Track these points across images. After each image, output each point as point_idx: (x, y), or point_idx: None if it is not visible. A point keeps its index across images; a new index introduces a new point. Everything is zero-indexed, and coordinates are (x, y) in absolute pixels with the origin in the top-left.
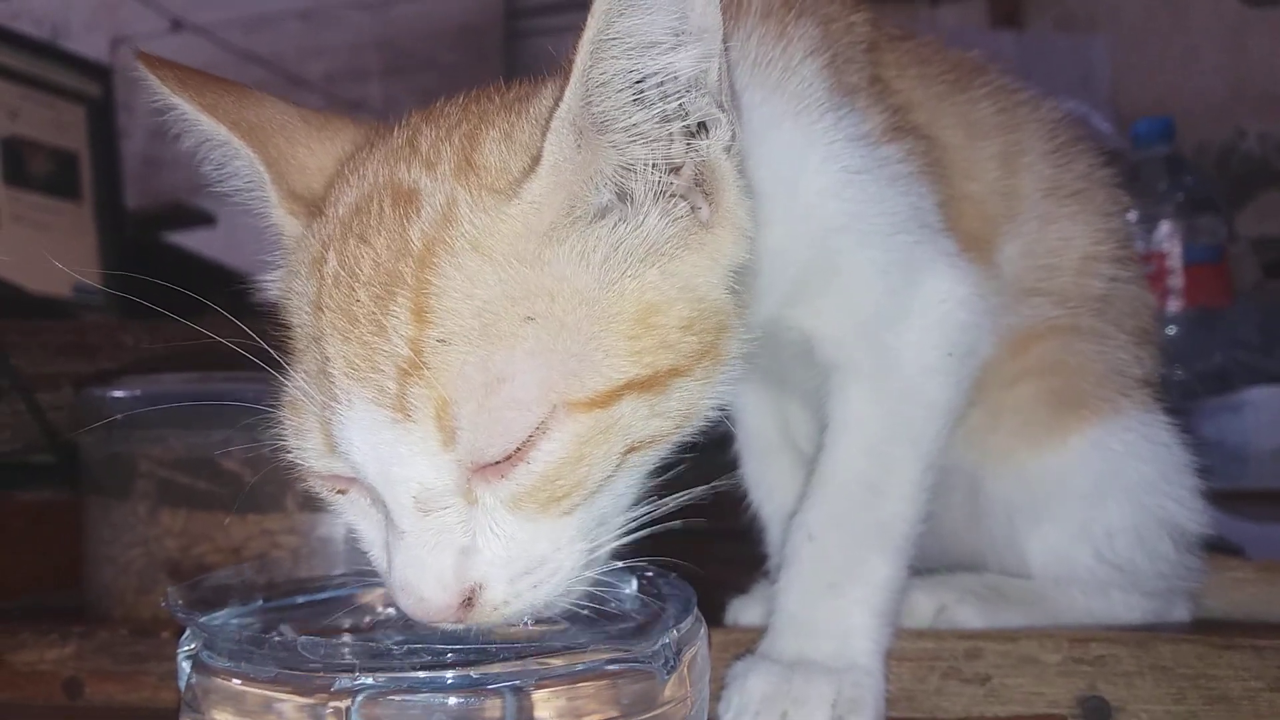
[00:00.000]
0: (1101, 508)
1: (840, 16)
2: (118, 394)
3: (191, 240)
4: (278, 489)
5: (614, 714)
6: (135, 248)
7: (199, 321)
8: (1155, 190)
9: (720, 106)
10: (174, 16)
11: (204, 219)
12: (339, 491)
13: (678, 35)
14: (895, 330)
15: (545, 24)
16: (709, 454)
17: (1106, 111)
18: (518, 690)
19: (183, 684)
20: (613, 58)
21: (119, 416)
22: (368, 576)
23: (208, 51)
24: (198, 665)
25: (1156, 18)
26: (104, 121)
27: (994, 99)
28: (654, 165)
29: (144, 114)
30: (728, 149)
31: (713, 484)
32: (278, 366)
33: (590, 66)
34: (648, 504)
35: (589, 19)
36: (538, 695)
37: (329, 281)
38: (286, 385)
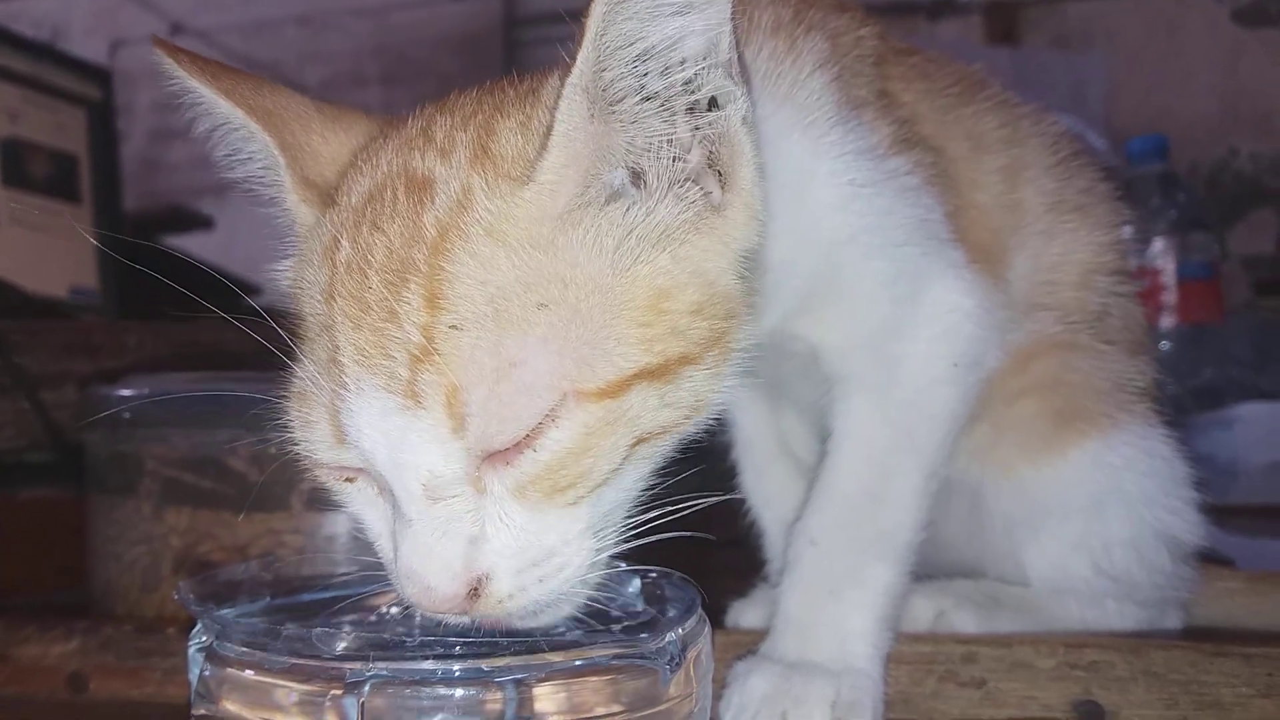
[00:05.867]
0: (1099, 520)
1: (849, 31)
2: (123, 392)
3: (189, 243)
4: (283, 488)
5: (615, 709)
6: (133, 250)
7: (196, 324)
8: (1149, 207)
9: (733, 79)
10: (174, 21)
11: (202, 222)
12: (346, 480)
13: (689, 1)
14: (901, 341)
15: (545, 33)
16: (711, 460)
17: (1101, 129)
18: (520, 683)
19: (193, 676)
20: (625, 19)
21: (125, 415)
22: (372, 575)
23: (207, 55)
24: (211, 656)
25: (1152, 37)
26: (103, 124)
27: (997, 113)
28: (667, 142)
29: (143, 117)
30: (745, 120)
31: (725, 495)
32: (280, 364)
33: (603, 30)
34: (656, 509)
35: None
36: (539, 689)
37: (341, 269)
38: (294, 376)
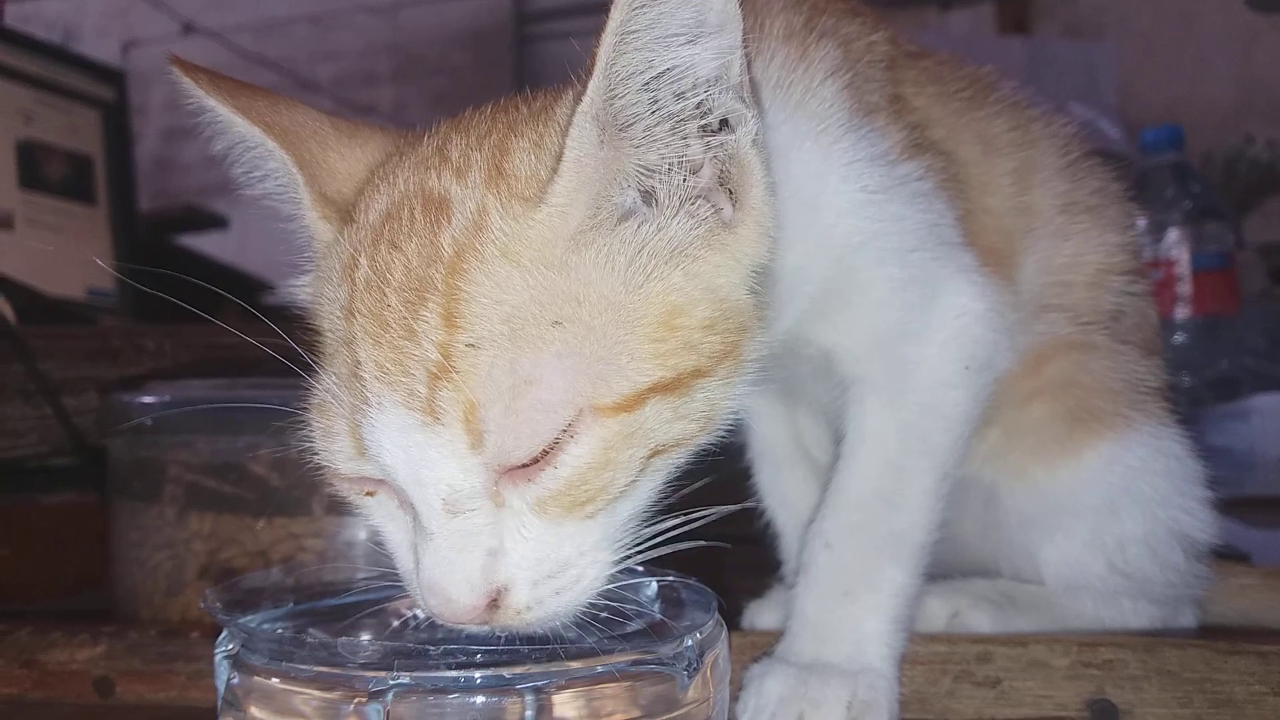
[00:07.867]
0: (1114, 519)
1: (860, 37)
2: (146, 399)
3: (204, 243)
4: (304, 493)
5: (635, 714)
6: (148, 250)
7: (215, 326)
8: (1163, 197)
9: (743, 101)
10: (185, 20)
11: (216, 222)
12: (367, 494)
13: (700, 27)
14: (913, 344)
15: (554, 29)
16: (726, 462)
17: (1114, 117)
18: (539, 690)
19: (220, 683)
20: (636, 49)
21: (148, 421)
22: (392, 580)
23: (218, 55)
24: (239, 664)
25: (1166, 25)
26: (117, 125)
27: (1008, 116)
28: (678, 163)
29: (156, 117)
30: (755, 142)
31: (742, 503)
32: (301, 368)
33: (614, 59)
34: (674, 518)
35: (612, 10)
36: (559, 696)
37: (360, 287)
38: (315, 388)
